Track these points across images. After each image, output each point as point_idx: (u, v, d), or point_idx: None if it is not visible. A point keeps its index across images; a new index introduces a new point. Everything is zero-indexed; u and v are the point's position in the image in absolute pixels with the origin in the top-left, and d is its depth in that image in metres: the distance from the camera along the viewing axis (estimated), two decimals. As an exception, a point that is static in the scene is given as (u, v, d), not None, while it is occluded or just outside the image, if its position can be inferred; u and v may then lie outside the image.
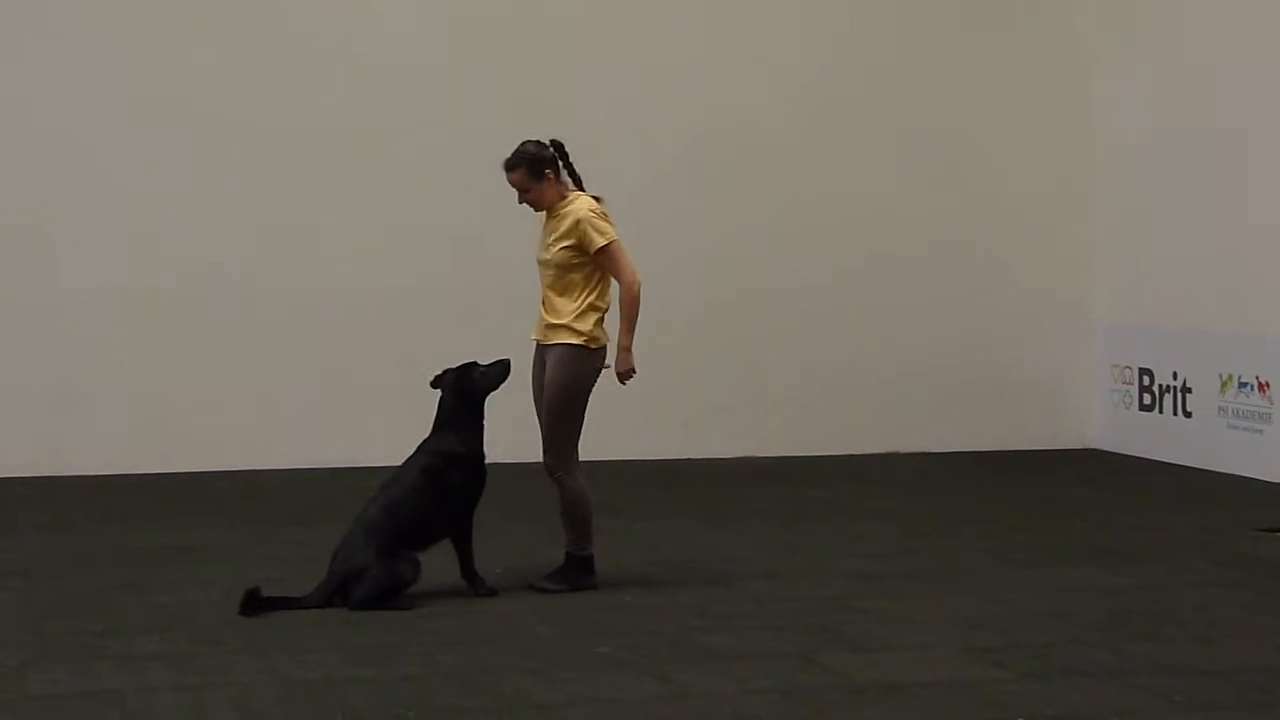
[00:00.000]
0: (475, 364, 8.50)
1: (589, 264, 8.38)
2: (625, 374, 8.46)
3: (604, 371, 8.50)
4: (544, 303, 8.50)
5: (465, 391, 8.42)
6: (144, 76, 12.49)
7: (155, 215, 12.52)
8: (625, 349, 8.41)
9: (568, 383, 8.34)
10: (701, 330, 13.49)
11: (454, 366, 8.51)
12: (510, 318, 12.77)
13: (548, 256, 8.42)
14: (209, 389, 12.62)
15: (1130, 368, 13.87)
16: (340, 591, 8.02)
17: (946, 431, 13.92)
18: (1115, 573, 9.08)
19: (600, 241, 8.31)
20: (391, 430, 11.86)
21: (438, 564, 8.32)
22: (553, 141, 8.52)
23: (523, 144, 8.47)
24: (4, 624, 7.74)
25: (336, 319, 12.82)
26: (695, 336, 13.44)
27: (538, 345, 8.55)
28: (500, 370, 8.47)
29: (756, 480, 12.46)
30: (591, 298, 8.40)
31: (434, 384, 8.51)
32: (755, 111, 13.61)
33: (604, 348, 8.45)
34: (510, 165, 8.46)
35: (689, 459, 13.29)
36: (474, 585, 8.34)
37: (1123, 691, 6.79)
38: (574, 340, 8.35)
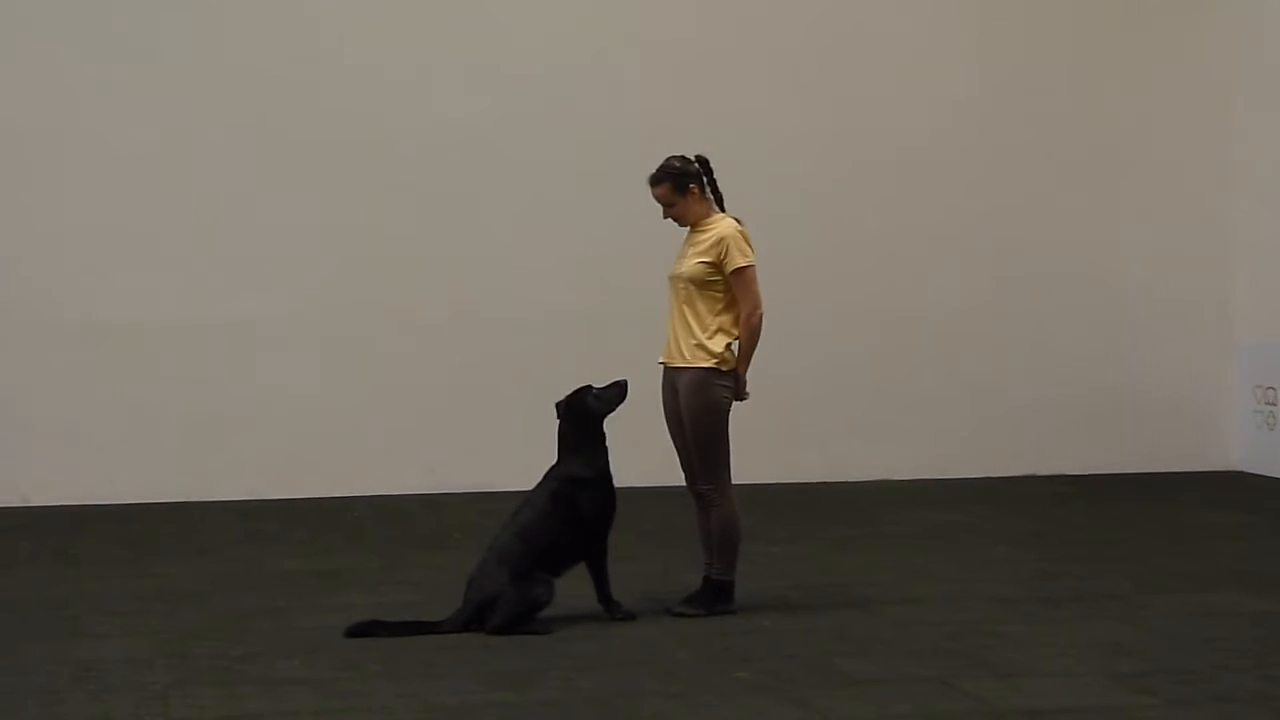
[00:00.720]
0: (589, 388, 8.45)
1: (722, 284, 8.32)
2: (737, 399, 8.40)
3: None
4: (673, 324, 8.45)
5: (581, 416, 8.39)
6: (299, 105, 12.69)
7: (300, 244, 12.67)
8: (741, 373, 8.37)
9: (707, 406, 8.30)
10: (838, 352, 13.43)
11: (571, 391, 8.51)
12: (642, 340, 12.83)
13: (683, 270, 8.37)
14: (346, 415, 12.74)
15: (1274, 388, 13.62)
16: (476, 619, 8.04)
17: (1084, 453, 13.76)
18: (1262, 598, 8.91)
19: (741, 262, 8.27)
20: (527, 454, 11.87)
21: (574, 588, 8.32)
22: (698, 157, 8.48)
23: (668, 158, 8.44)
24: (149, 646, 7.84)
25: (472, 344, 12.90)
26: (832, 358, 13.39)
27: (666, 369, 8.51)
28: (616, 392, 8.41)
29: (893, 503, 12.37)
30: (723, 320, 8.34)
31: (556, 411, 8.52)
32: (897, 134, 13.54)
33: (734, 370, 8.41)
34: (655, 180, 8.43)
35: (825, 482, 13.22)
36: (611, 610, 8.32)
37: (1273, 718, 6.65)
38: (706, 362, 8.29)
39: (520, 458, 11.57)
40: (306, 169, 12.71)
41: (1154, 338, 14.01)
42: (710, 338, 8.32)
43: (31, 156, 12.42)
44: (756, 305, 8.31)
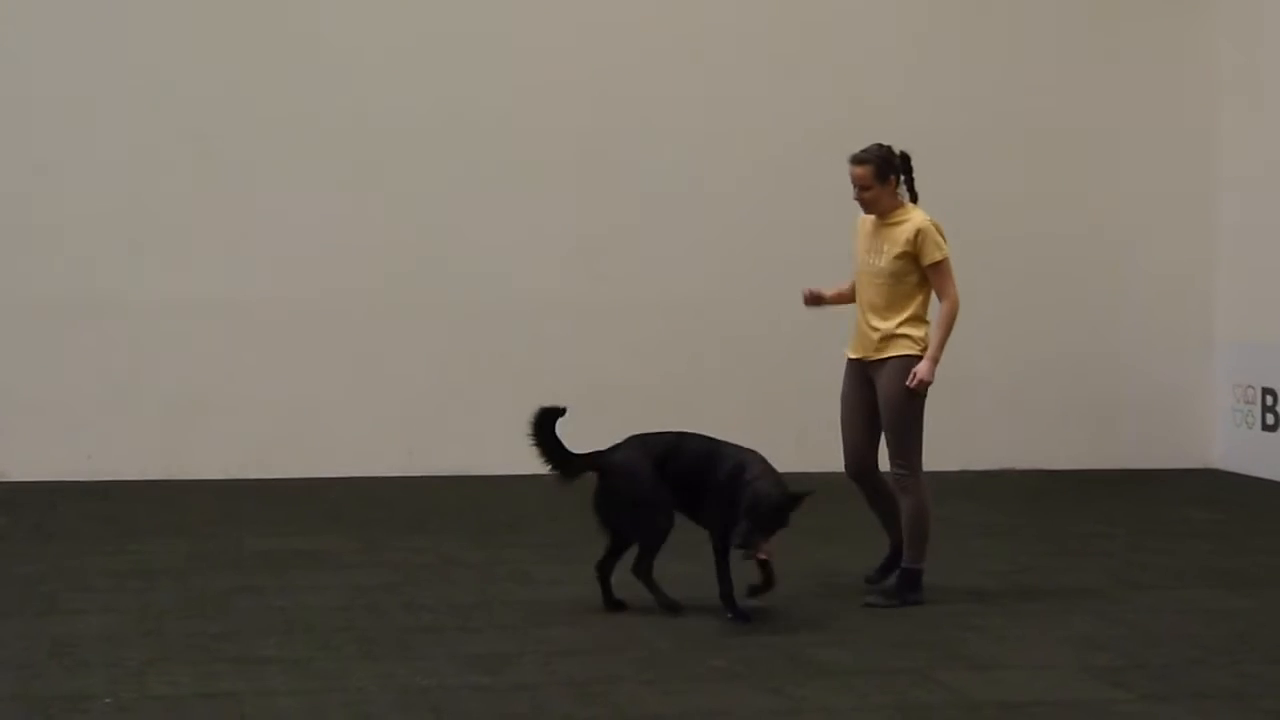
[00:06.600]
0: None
1: (916, 275, 8.43)
2: (922, 384, 8.38)
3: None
4: (865, 317, 8.52)
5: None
6: (288, 87, 12.69)
7: (281, 225, 12.66)
8: (934, 360, 8.39)
9: (910, 391, 8.38)
10: (816, 343, 13.40)
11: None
12: (628, 327, 12.84)
13: (882, 265, 8.44)
14: (326, 395, 12.74)
15: (1253, 387, 13.66)
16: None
17: (1063, 449, 13.79)
18: (1239, 595, 8.93)
19: (937, 255, 8.37)
20: (506, 439, 11.81)
21: (550, 574, 8.32)
22: (902, 152, 8.58)
23: (876, 144, 8.55)
24: (126, 623, 7.84)
25: (453, 328, 12.90)
26: (810, 349, 13.37)
27: (854, 362, 8.60)
28: (784, 518, 8.04)
29: (871, 495, 12.37)
30: (916, 308, 8.45)
31: None
32: (881, 134, 13.50)
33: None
34: (859, 159, 8.51)
35: (803, 472, 13.16)
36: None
37: (1246, 715, 6.68)
38: (913, 350, 8.40)
39: (499, 442, 11.54)
40: (293, 152, 12.68)
41: (1135, 335, 14.04)
42: (911, 324, 8.40)
43: (13, 135, 12.38)
44: (956, 294, 8.39)
